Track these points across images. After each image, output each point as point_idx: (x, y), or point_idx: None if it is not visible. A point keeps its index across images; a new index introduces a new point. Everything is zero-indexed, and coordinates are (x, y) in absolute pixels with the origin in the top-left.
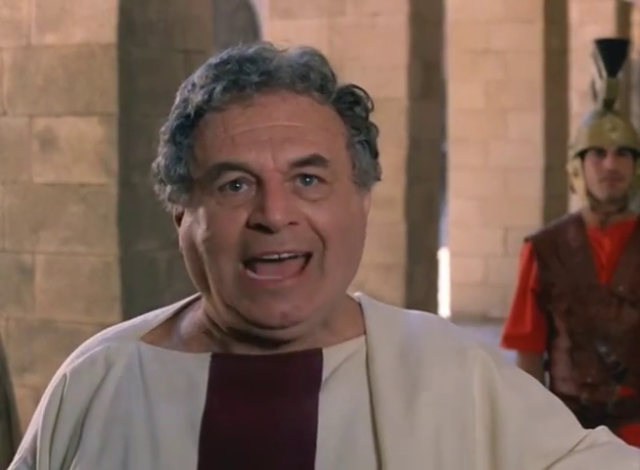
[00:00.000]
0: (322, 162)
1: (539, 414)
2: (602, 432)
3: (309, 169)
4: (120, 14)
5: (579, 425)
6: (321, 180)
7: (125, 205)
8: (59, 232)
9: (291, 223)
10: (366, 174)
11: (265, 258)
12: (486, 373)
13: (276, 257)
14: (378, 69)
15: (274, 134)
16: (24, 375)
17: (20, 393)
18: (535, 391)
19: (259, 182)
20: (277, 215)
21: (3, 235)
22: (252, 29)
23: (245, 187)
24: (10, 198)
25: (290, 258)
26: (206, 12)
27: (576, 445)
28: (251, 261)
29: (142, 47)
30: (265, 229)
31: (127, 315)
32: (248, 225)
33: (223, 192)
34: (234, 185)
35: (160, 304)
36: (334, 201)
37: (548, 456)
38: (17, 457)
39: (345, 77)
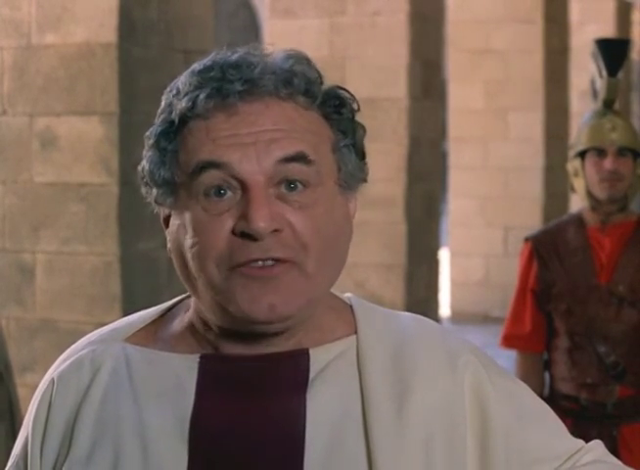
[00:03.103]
0: (307, 160)
1: (529, 421)
2: (597, 447)
3: (294, 168)
4: (121, 13)
5: (570, 435)
6: (305, 185)
7: (126, 204)
8: (59, 232)
9: (275, 230)
10: (352, 177)
11: (252, 265)
12: (477, 380)
13: (260, 264)
14: (378, 68)
15: (259, 137)
16: (25, 374)
17: (20, 392)
18: (526, 398)
19: (244, 188)
20: (261, 223)
21: (3, 235)
22: (253, 29)
23: (229, 193)
24: (10, 197)
25: (273, 265)
26: (207, 11)
27: (568, 458)
28: (237, 268)
29: (142, 47)
30: (250, 236)
31: (127, 315)
32: (233, 232)
33: (208, 198)
34: (218, 191)
35: (160, 303)
36: (318, 207)
37: (537, 463)
38: (9, 463)
39: (346, 77)
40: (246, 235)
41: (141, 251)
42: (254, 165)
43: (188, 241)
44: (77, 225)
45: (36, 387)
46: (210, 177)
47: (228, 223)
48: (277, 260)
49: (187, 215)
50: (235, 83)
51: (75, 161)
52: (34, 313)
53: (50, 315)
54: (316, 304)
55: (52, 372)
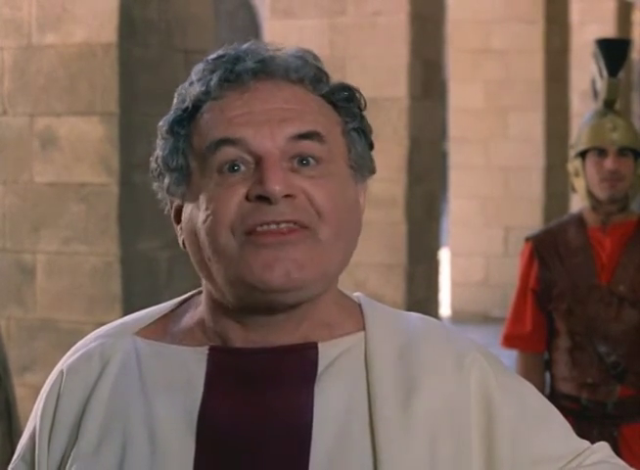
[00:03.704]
0: (319, 138)
1: (534, 421)
2: (603, 448)
3: (307, 145)
4: (121, 13)
5: (575, 435)
6: (318, 161)
7: (126, 204)
8: (59, 232)
9: (289, 196)
10: (362, 159)
11: (265, 228)
12: (483, 379)
13: (274, 227)
14: (378, 68)
15: (272, 115)
16: (25, 374)
17: (20, 392)
18: (531, 397)
19: (257, 161)
20: (276, 186)
21: (4, 235)
22: (253, 29)
23: (243, 168)
24: (11, 197)
25: (288, 230)
26: (207, 11)
27: (574, 458)
28: (251, 234)
29: (143, 47)
30: (264, 201)
31: (127, 315)
32: (247, 199)
33: (222, 174)
34: (232, 167)
35: (160, 303)
36: (330, 179)
37: (542, 462)
38: (15, 455)
39: (346, 77)
40: (260, 198)
41: (141, 251)
42: (268, 140)
43: (201, 216)
44: (77, 225)
45: (36, 387)
46: (225, 154)
47: (241, 190)
48: (292, 223)
49: (200, 195)
50: (247, 62)
51: (75, 161)
52: (34, 313)
53: (50, 315)
54: (330, 279)
55: (61, 364)
